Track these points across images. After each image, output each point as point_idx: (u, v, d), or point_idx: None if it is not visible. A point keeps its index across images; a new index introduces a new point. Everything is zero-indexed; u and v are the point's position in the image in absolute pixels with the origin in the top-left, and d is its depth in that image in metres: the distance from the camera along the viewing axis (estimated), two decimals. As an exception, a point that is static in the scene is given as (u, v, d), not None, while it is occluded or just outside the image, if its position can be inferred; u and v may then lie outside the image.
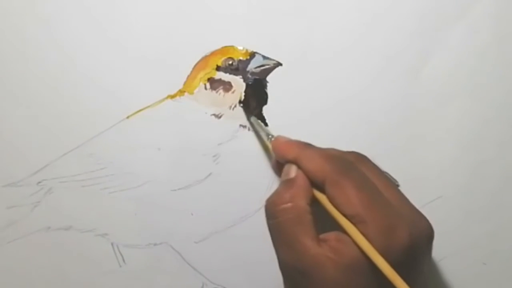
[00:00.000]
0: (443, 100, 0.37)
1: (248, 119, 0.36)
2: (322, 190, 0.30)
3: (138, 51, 0.36)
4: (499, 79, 0.37)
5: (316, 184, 0.30)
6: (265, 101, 0.36)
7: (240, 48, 0.36)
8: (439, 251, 0.34)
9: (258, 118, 0.36)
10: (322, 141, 0.35)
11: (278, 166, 0.33)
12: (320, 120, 0.36)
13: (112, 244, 0.37)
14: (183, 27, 0.36)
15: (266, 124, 0.36)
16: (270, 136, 0.34)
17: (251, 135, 0.36)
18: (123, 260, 0.37)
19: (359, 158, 0.31)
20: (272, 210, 0.30)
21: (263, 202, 0.35)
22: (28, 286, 0.37)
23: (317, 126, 0.36)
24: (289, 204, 0.30)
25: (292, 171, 0.31)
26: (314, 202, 0.30)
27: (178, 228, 0.36)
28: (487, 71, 0.37)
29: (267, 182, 0.36)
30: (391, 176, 0.32)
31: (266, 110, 0.36)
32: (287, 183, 0.31)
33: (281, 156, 0.33)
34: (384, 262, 0.27)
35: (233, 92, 0.36)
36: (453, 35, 0.36)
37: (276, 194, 0.31)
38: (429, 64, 0.37)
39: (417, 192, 0.34)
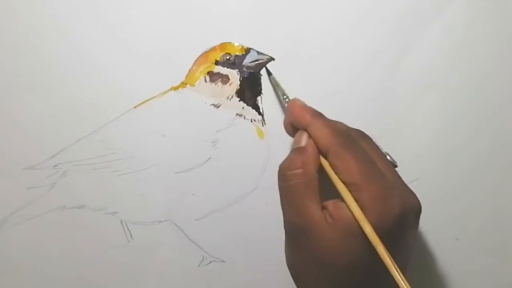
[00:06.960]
0: (420, 92, 0.38)
1: (269, 77, 0.37)
2: (326, 158, 0.31)
3: (144, 48, 0.37)
4: (470, 73, 0.38)
5: (321, 152, 0.31)
6: (259, 92, 0.37)
7: (237, 44, 0.37)
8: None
9: (253, 108, 0.37)
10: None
11: (289, 126, 0.34)
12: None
13: (121, 221, 0.38)
14: (185, 26, 0.37)
15: (260, 114, 0.37)
16: (284, 97, 0.34)
17: (246, 122, 0.37)
18: (131, 236, 0.38)
19: (362, 136, 0.32)
20: (284, 174, 0.31)
21: (258, 183, 0.37)
22: (44, 259, 0.38)
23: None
24: (300, 170, 0.31)
25: (303, 139, 0.32)
26: (321, 171, 0.31)
27: (180, 207, 0.38)
28: (459, 66, 0.38)
29: (261, 165, 0.38)
30: (390, 157, 0.33)
31: (260, 101, 0.38)
32: (298, 151, 0.32)
33: (293, 119, 0.33)
34: (370, 228, 0.28)
35: (230, 84, 0.37)
36: (429, 34, 0.38)
37: (288, 159, 0.32)
38: (407, 59, 0.38)
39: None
